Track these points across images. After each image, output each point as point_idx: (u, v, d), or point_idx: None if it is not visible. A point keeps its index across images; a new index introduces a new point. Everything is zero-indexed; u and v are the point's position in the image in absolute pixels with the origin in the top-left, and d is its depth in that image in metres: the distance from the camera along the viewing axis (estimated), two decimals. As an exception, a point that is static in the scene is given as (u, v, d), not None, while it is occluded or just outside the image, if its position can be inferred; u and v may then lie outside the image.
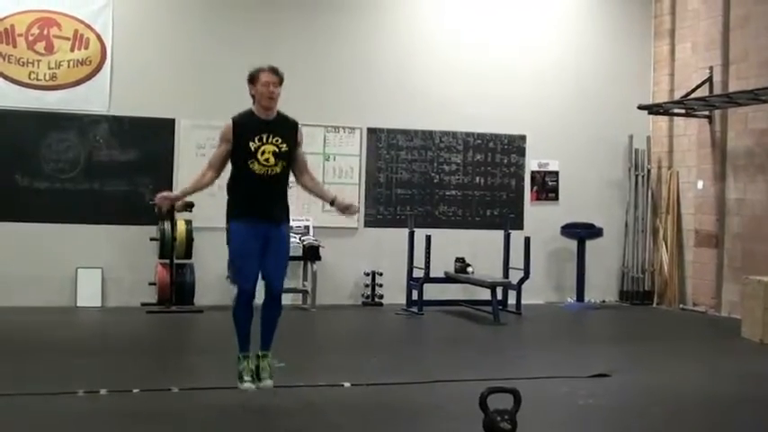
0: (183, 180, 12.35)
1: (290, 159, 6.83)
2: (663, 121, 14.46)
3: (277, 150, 6.69)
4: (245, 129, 6.71)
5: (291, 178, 7.02)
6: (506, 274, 13.11)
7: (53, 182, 12.35)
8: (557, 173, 14.35)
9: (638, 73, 14.65)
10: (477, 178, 14.03)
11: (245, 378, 6.80)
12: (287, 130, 6.83)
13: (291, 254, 10.82)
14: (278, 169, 6.72)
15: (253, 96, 6.82)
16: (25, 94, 12.22)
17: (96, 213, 12.42)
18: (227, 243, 6.82)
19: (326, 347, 10.15)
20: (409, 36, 13.73)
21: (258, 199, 6.70)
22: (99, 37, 12.49)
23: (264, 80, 6.73)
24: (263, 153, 6.65)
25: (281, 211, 6.86)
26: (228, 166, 6.88)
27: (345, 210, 7.25)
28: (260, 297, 6.84)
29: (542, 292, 14.03)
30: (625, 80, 14.53)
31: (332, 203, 7.14)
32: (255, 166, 6.65)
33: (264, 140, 6.67)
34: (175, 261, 12.09)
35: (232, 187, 6.81)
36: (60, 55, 12.34)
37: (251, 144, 6.64)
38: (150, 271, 12.28)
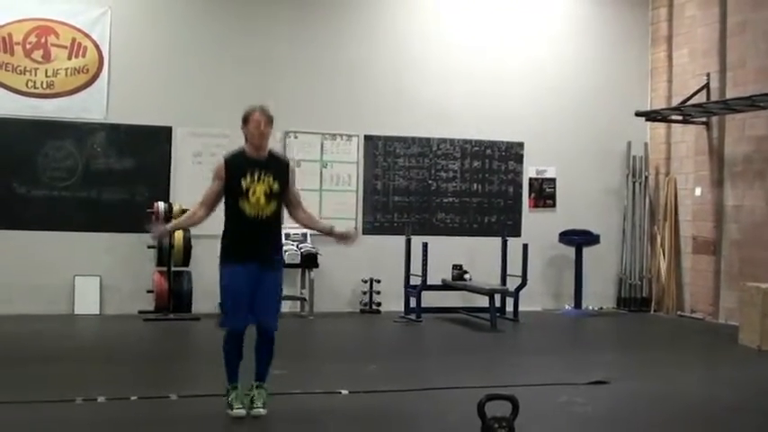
0: (180, 188, 12.43)
1: (282, 199, 6.82)
2: (660, 127, 14.47)
3: (269, 191, 6.67)
4: (236, 167, 6.70)
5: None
6: (504, 281, 13.11)
7: (50, 190, 12.34)
8: (554, 180, 14.36)
9: (636, 80, 14.67)
10: (475, 185, 14.04)
11: (236, 406, 6.71)
12: (279, 168, 6.81)
13: (289, 261, 10.89)
14: (268, 212, 6.68)
15: (245, 137, 6.82)
16: (23, 102, 12.22)
17: (94, 221, 12.41)
18: (219, 284, 6.81)
19: (324, 355, 10.14)
20: (407, 43, 13.74)
21: (250, 241, 6.67)
22: (96, 45, 12.49)
23: (255, 119, 6.72)
24: (254, 193, 6.62)
25: (273, 253, 6.83)
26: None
27: (344, 238, 7.23)
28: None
29: (540, 299, 14.02)
30: (623, 87, 14.55)
31: (330, 234, 7.13)
32: (246, 207, 6.63)
33: (256, 179, 6.64)
34: (173, 269, 12.09)
35: (225, 228, 6.80)
36: (58, 63, 12.35)
37: (242, 182, 6.62)
38: (148, 279, 12.27)
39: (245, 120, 6.75)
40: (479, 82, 13.92)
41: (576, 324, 13.18)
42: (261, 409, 6.73)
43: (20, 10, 12.26)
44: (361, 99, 13.48)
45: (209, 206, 6.83)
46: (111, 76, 12.54)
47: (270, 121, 6.77)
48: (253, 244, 6.67)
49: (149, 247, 12.14)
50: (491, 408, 5.77)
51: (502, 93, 14.03)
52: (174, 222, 7.28)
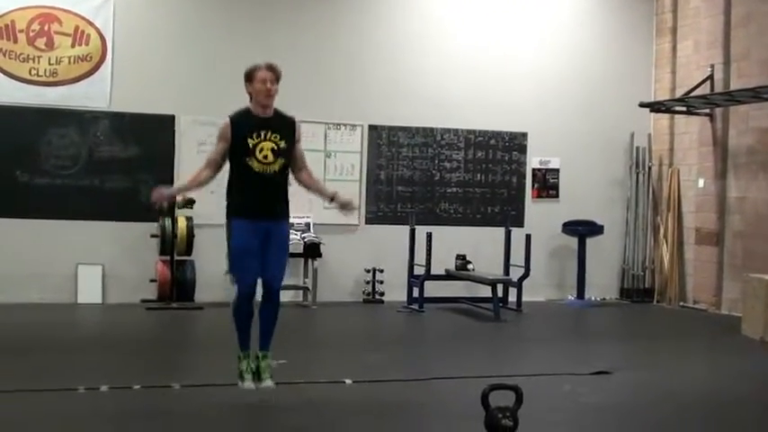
0: (184, 176, 12.38)
1: (289, 156, 6.80)
2: (664, 118, 14.45)
3: (275, 147, 6.66)
4: (242, 126, 6.68)
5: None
6: (507, 272, 13.11)
7: (53, 178, 12.33)
8: (558, 170, 14.34)
9: (640, 71, 14.64)
10: (479, 175, 14.02)
11: (246, 377, 6.77)
12: (285, 126, 6.80)
13: (292, 251, 10.84)
14: (276, 167, 6.68)
15: (250, 94, 6.79)
16: (26, 90, 12.20)
17: (97, 210, 12.40)
18: (227, 240, 6.79)
19: (327, 344, 10.14)
20: (411, 33, 13.71)
21: (257, 196, 6.66)
22: (100, 33, 12.47)
23: (261, 77, 6.69)
24: (261, 150, 6.62)
25: (280, 209, 6.83)
26: (227, 166, 6.86)
27: (345, 206, 7.22)
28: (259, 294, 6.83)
29: (543, 290, 14.02)
30: (626, 78, 14.52)
31: (331, 200, 7.10)
32: (254, 164, 6.62)
33: (262, 137, 6.64)
34: (176, 258, 12.09)
35: (231, 185, 6.78)
36: (61, 51, 12.33)
37: (249, 141, 6.62)
38: (151, 268, 12.27)
39: (249, 77, 6.73)
40: (483, 72, 13.90)
41: (578, 314, 13.17)
42: (269, 382, 6.76)
43: (23, -3, 12.26)
44: (365, 89, 13.46)
45: (215, 167, 6.81)
46: (114, 64, 12.52)
47: (277, 78, 6.74)
48: (261, 199, 6.66)
49: (152, 236, 12.14)
50: (495, 397, 5.78)
51: (506, 83, 14.00)
52: (176, 186, 7.22)
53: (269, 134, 6.67)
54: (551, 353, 9.84)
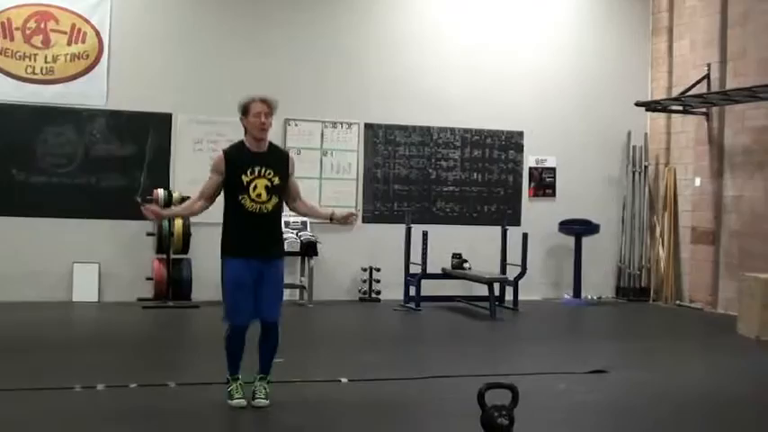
0: (180, 175, 12.43)
1: (282, 192, 6.76)
2: (660, 118, 14.46)
3: (269, 185, 6.60)
4: (236, 161, 6.62)
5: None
6: (503, 270, 13.12)
7: (50, 176, 12.32)
8: (554, 169, 14.35)
9: (636, 70, 14.66)
10: (475, 174, 14.03)
11: (236, 396, 6.69)
12: (279, 161, 6.74)
13: (289, 249, 10.87)
14: (270, 206, 6.62)
15: (245, 127, 6.73)
16: (22, 88, 12.19)
17: (93, 208, 12.40)
18: (221, 279, 6.77)
19: (324, 343, 10.14)
20: (408, 31, 13.71)
21: (251, 236, 6.61)
22: (96, 31, 12.46)
23: (256, 111, 6.60)
24: (255, 188, 6.55)
25: (274, 247, 6.78)
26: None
27: (345, 220, 7.19)
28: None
29: (539, 289, 14.03)
30: (623, 77, 14.53)
31: (331, 220, 7.08)
32: (247, 203, 6.56)
33: (257, 174, 6.57)
34: (172, 256, 12.08)
35: (225, 221, 6.73)
36: (57, 49, 12.31)
37: (243, 177, 6.55)
38: (147, 266, 12.27)
39: (245, 110, 6.64)
40: (480, 71, 13.90)
41: (575, 313, 13.19)
42: (263, 400, 6.70)
43: (20, -5, 12.25)
44: (361, 87, 13.46)
45: (208, 199, 6.76)
46: (110, 63, 12.51)
47: (272, 111, 6.67)
48: (254, 239, 6.61)
49: (148, 235, 12.14)
50: (491, 396, 5.78)
51: (502, 82, 14.01)
52: (171, 210, 7.19)
53: (263, 170, 6.60)
54: (547, 351, 9.83)
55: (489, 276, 12.49)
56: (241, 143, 6.76)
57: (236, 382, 6.76)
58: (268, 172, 6.61)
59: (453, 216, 13.92)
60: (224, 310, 6.75)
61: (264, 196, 6.59)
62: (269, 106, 6.65)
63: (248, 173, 6.57)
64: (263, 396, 6.72)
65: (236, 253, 6.63)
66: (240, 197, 6.57)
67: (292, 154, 6.97)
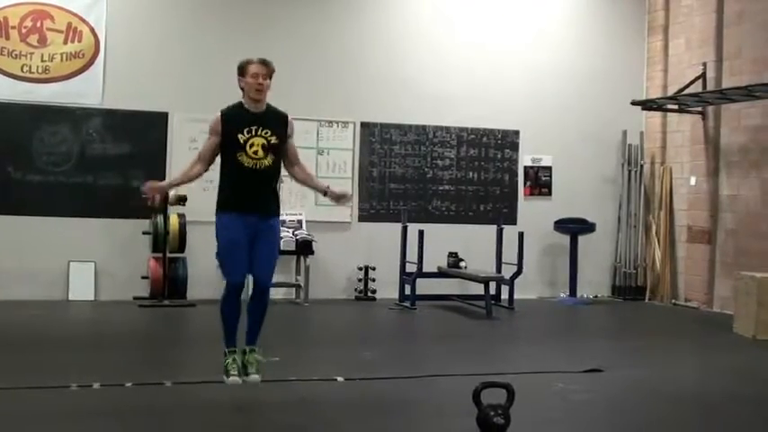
0: (177, 173, 12.39)
1: (280, 152, 6.79)
2: (656, 116, 14.47)
3: (266, 143, 6.65)
4: (234, 121, 6.68)
5: (284, 172, 7.02)
6: (499, 269, 13.11)
7: (46, 175, 12.31)
8: (550, 168, 14.37)
9: (632, 69, 14.67)
10: (471, 173, 14.04)
11: (232, 372, 6.71)
12: (277, 122, 6.79)
13: (284, 248, 10.87)
14: (267, 162, 6.66)
15: (242, 88, 6.79)
16: (18, 86, 12.18)
17: (89, 207, 12.40)
18: (216, 235, 6.77)
19: (319, 342, 10.14)
20: (403, 31, 13.72)
21: (247, 192, 6.65)
22: (92, 30, 12.45)
23: (253, 72, 6.70)
24: (251, 146, 6.61)
25: (270, 204, 6.81)
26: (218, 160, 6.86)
27: (339, 198, 7.23)
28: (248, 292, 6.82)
29: (535, 287, 14.04)
30: (618, 76, 14.55)
31: (325, 194, 7.12)
32: (244, 159, 6.61)
33: (254, 133, 6.63)
34: (168, 255, 12.08)
35: (221, 180, 6.77)
36: (53, 48, 12.31)
37: (240, 136, 6.60)
38: (143, 265, 12.27)
39: (242, 71, 6.73)
40: (476, 70, 13.92)
41: (570, 312, 13.20)
42: (255, 375, 6.73)
43: (15, -6, 12.24)
44: (357, 86, 13.47)
45: (206, 161, 6.80)
46: (107, 61, 12.51)
47: (270, 73, 6.75)
48: (252, 194, 6.65)
49: (144, 233, 12.13)
50: (487, 395, 5.79)
51: (498, 81, 14.03)
52: (168, 180, 7.18)
53: (260, 130, 6.65)
54: (543, 350, 9.84)
55: (485, 275, 12.49)
56: (239, 104, 6.81)
57: (232, 355, 6.78)
58: (265, 131, 6.67)
59: (449, 215, 13.93)
60: (219, 266, 6.74)
61: (261, 153, 6.64)
62: (267, 68, 6.74)
63: (245, 132, 6.63)
64: (254, 371, 6.76)
65: (232, 208, 6.65)
66: (237, 154, 6.61)
67: (291, 117, 6.94)
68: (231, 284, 6.68)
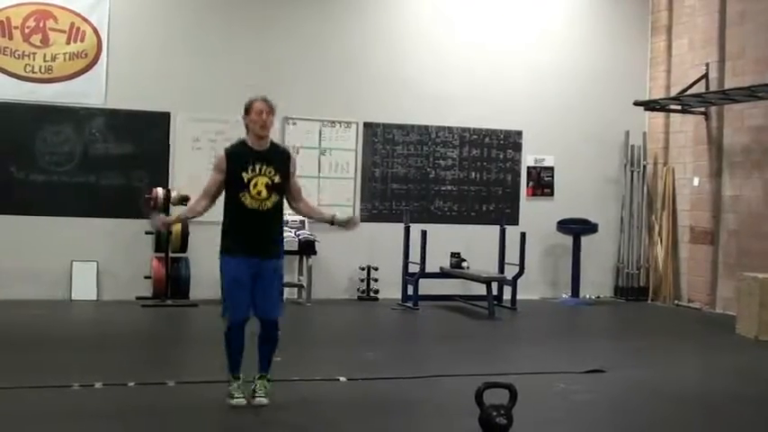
0: (179, 173, 12.44)
1: (283, 191, 6.80)
2: (659, 117, 14.46)
3: (270, 183, 6.65)
4: (238, 159, 6.68)
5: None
6: (502, 270, 13.10)
7: (49, 175, 12.31)
8: (552, 168, 14.36)
9: (635, 69, 14.66)
10: (473, 173, 14.03)
11: (236, 396, 6.70)
12: (280, 160, 6.79)
13: (287, 248, 10.86)
14: (269, 204, 6.67)
15: (247, 127, 6.79)
16: (21, 86, 12.18)
17: (92, 207, 12.39)
18: (220, 275, 6.81)
19: (322, 342, 10.15)
20: (406, 31, 13.72)
21: (250, 234, 6.65)
22: (95, 30, 12.45)
23: (258, 109, 6.68)
24: (255, 185, 6.60)
25: (273, 246, 6.80)
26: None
27: (346, 224, 7.25)
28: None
29: (537, 288, 14.03)
30: (621, 76, 14.54)
31: (332, 223, 7.13)
32: (247, 200, 6.61)
33: (257, 171, 6.63)
34: (170, 255, 12.08)
35: (225, 219, 6.76)
36: (56, 48, 12.31)
37: (244, 175, 6.60)
38: (145, 265, 12.27)
39: (247, 109, 6.73)
40: (478, 70, 13.91)
41: (573, 313, 13.19)
42: (263, 398, 6.72)
43: (18, -6, 12.24)
44: (360, 86, 13.46)
45: (211, 198, 6.81)
46: (109, 61, 12.50)
47: (272, 110, 6.74)
48: (254, 237, 6.65)
49: (147, 233, 12.13)
50: (489, 395, 5.79)
51: (501, 81, 14.02)
52: (175, 216, 7.23)
53: (264, 168, 6.65)
54: (545, 351, 9.84)
55: (487, 276, 12.49)
56: (243, 141, 6.81)
57: (236, 381, 6.78)
58: (269, 170, 6.66)
59: (451, 215, 13.92)
60: (222, 307, 6.77)
61: (265, 194, 6.63)
62: (269, 105, 6.73)
63: (249, 170, 6.62)
64: (262, 394, 6.75)
65: (235, 252, 6.67)
66: (240, 194, 6.61)
67: (293, 153, 6.97)
68: (234, 322, 6.69)
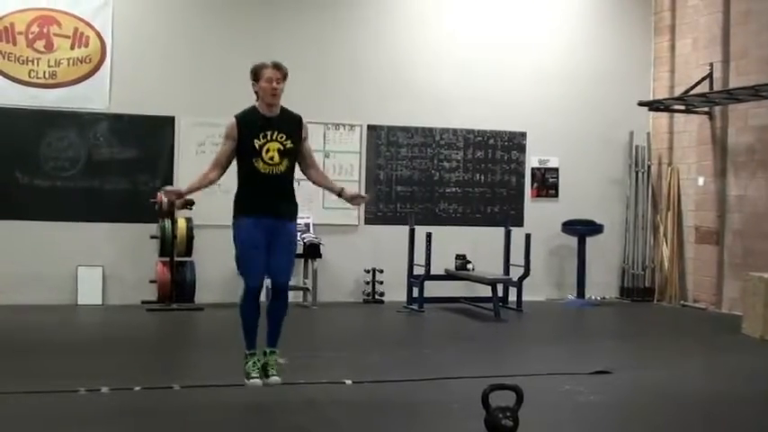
0: (184, 178, 12.42)
1: (296, 155, 6.83)
2: (663, 117, 14.45)
3: (282, 148, 6.69)
4: (248, 126, 6.70)
5: (299, 175, 7.03)
6: (507, 271, 13.11)
7: (53, 180, 12.33)
8: (557, 169, 14.35)
9: (639, 69, 14.65)
10: (478, 175, 14.03)
11: (253, 375, 6.77)
12: (291, 125, 6.83)
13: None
14: (282, 168, 6.71)
15: (256, 93, 6.81)
16: (25, 92, 12.20)
17: (96, 211, 12.41)
18: (233, 239, 6.81)
19: (327, 345, 10.13)
20: (409, 33, 13.72)
21: (264, 197, 6.68)
22: (99, 35, 12.47)
23: (267, 76, 6.73)
24: (267, 151, 6.64)
25: (287, 208, 6.85)
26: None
27: (353, 199, 7.27)
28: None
29: (543, 289, 14.03)
30: (625, 76, 14.52)
31: (339, 195, 7.14)
32: (260, 165, 6.65)
33: (269, 137, 6.66)
34: (176, 259, 12.09)
35: (239, 185, 6.80)
36: (60, 53, 12.33)
37: (255, 141, 6.64)
38: (151, 269, 12.28)
39: (256, 75, 6.75)
40: (482, 72, 13.90)
41: (578, 314, 13.17)
42: (276, 377, 6.78)
43: (22, -1, 12.26)
44: (363, 89, 13.47)
45: (222, 166, 6.83)
46: (113, 66, 12.52)
47: (284, 76, 6.78)
48: (267, 199, 6.68)
49: (152, 237, 12.15)
50: (495, 397, 5.79)
51: (504, 82, 14.01)
52: (187, 185, 7.22)
53: (275, 134, 6.69)
54: (551, 352, 9.84)
55: (493, 277, 12.49)
56: (253, 108, 6.83)
57: (253, 357, 6.83)
58: (280, 135, 6.70)
59: (456, 217, 13.92)
60: (238, 269, 6.77)
61: (277, 158, 6.68)
62: (281, 72, 6.76)
63: (260, 137, 6.66)
64: (275, 372, 6.81)
65: (248, 212, 6.69)
66: (253, 160, 6.65)
67: (305, 120, 6.98)
68: (249, 287, 6.72)
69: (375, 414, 6.84)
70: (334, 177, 12.97)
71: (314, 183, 7.22)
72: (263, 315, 6.87)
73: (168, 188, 7.42)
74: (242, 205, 6.75)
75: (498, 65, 14.00)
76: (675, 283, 14.00)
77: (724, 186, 13.23)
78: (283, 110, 6.88)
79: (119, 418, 6.44)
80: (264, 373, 6.81)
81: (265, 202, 6.68)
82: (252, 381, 6.76)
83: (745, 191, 12.89)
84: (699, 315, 13.06)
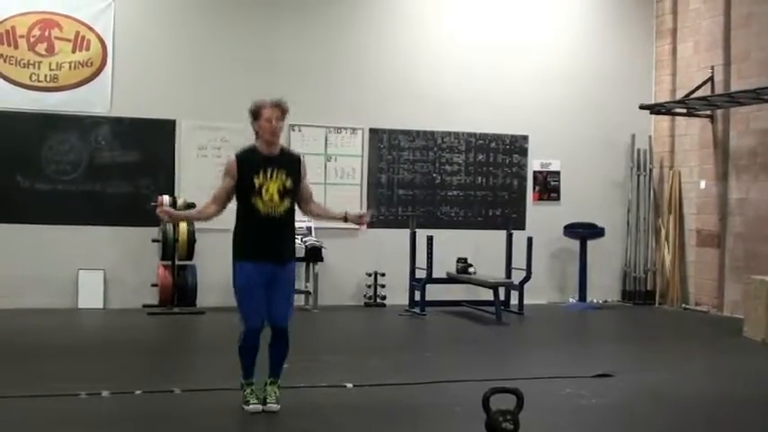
0: (185, 181, 12.45)
1: (295, 195, 6.77)
2: (665, 120, 14.45)
3: (281, 188, 6.62)
4: (248, 164, 6.63)
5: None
6: (509, 275, 13.10)
7: (55, 183, 12.34)
8: (559, 173, 14.34)
9: (640, 72, 14.65)
10: (479, 178, 14.03)
11: (252, 402, 6.71)
12: (291, 164, 6.75)
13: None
14: (281, 209, 6.63)
15: (256, 132, 6.75)
16: (26, 95, 12.21)
17: (98, 215, 12.41)
18: (233, 282, 6.77)
19: (329, 348, 10.11)
20: (411, 37, 13.72)
21: (263, 240, 6.61)
22: (100, 38, 12.48)
23: (267, 116, 6.62)
24: (267, 190, 6.57)
25: (286, 250, 6.78)
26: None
27: (359, 219, 7.21)
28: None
29: (544, 293, 14.01)
30: (627, 80, 14.53)
31: (345, 220, 7.10)
32: (259, 205, 6.57)
33: (269, 176, 6.60)
34: (177, 262, 12.09)
35: (237, 225, 6.74)
36: (61, 56, 12.34)
37: (255, 180, 6.57)
38: (152, 272, 12.27)
39: (256, 114, 6.66)
40: (484, 75, 13.90)
41: (580, 317, 13.17)
42: (274, 405, 6.71)
43: (24, 3, 12.25)
44: (365, 92, 13.47)
45: (221, 204, 6.77)
46: (114, 70, 12.53)
47: (283, 114, 6.68)
48: (266, 242, 6.61)
49: (153, 241, 12.14)
50: (496, 401, 5.78)
51: (506, 86, 14.01)
52: (184, 212, 7.19)
53: (275, 173, 6.61)
54: (553, 356, 9.83)
55: (494, 281, 12.48)
56: (253, 147, 6.77)
57: (250, 386, 6.78)
58: (280, 174, 6.63)
59: (458, 220, 13.92)
60: (239, 314, 6.75)
61: (277, 199, 6.61)
62: (281, 110, 6.67)
63: (260, 176, 6.59)
64: (273, 401, 6.73)
65: (248, 257, 6.63)
66: (252, 200, 6.58)
67: (304, 158, 6.96)
68: (248, 330, 6.67)
69: (377, 417, 6.84)
70: (336, 181, 13.13)
71: (314, 217, 7.25)
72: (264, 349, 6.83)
73: (165, 208, 7.34)
74: (241, 248, 6.69)
75: (500, 68, 14.00)
76: (677, 286, 13.99)
77: (726, 189, 13.22)
78: (283, 149, 6.85)
79: (120, 423, 6.44)
80: (263, 401, 6.74)
81: (265, 247, 6.61)
82: (251, 406, 6.67)
83: (747, 194, 12.88)
84: (700, 318, 13.05)
